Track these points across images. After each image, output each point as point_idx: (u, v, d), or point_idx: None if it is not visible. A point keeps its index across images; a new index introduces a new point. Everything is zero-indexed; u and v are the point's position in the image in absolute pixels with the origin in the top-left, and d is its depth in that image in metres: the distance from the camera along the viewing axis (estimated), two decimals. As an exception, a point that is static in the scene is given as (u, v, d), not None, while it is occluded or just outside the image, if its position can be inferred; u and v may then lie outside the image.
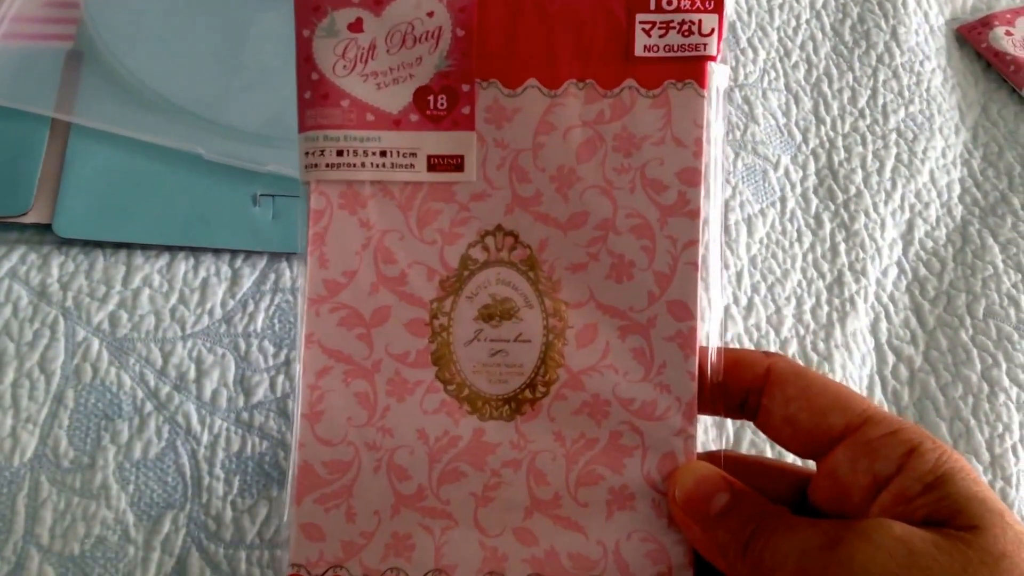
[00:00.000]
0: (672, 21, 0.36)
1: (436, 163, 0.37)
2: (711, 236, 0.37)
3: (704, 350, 0.37)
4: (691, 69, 0.36)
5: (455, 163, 0.37)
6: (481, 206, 0.37)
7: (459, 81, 0.37)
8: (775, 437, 0.37)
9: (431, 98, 0.37)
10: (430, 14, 0.36)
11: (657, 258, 0.37)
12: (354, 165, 0.37)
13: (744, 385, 0.37)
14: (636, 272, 0.37)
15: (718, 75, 0.37)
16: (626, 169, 0.37)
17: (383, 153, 0.37)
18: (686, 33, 0.36)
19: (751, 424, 0.38)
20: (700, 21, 0.36)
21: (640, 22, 0.36)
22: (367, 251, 0.37)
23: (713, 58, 0.36)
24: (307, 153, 0.37)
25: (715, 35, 0.36)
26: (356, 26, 0.37)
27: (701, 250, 0.36)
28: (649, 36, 0.36)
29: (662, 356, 0.36)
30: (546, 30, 0.37)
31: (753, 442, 0.51)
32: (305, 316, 0.37)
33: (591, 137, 0.37)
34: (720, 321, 0.38)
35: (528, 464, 0.37)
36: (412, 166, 0.37)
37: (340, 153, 0.37)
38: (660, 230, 0.37)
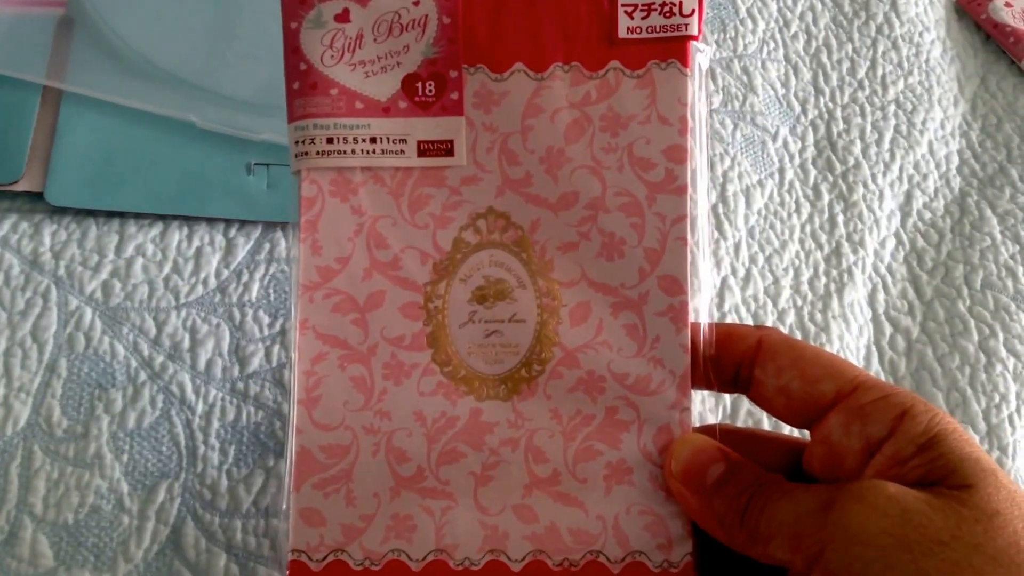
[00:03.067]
0: (653, 3, 0.37)
1: (426, 148, 0.37)
2: (699, 213, 0.37)
3: (696, 324, 0.37)
4: (674, 49, 0.37)
5: (445, 148, 0.37)
6: (472, 189, 0.37)
7: (446, 67, 0.37)
8: (768, 408, 0.37)
9: (419, 85, 0.37)
10: (416, 2, 0.37)
11: (647, 235, 0.37)
12: (344, 152, 0.37)
13: (736, 358, 0.37)
14: (627, 249, 0.37)
15: (700, 55, 0.37)
16: (613, 148, 0.37)
17: (373, 140, 0.37)
18: (667, 14, 0.37)
19: (747, 396, 0.38)
20: (681, 2, 0.37)
21: (622, 5, 0.37)
22: (359, 237, 0.37)
23: (695, 38, 0.37)
24: (297, 142, 0.37)
25: (695, 15, 0.37)
26: (343, 16, 0.37)
27: (689, 225, 0.37)
28: (631, 18, 0.37)
29: (655, 331, 0.37)
30: (530, 15, 0.37)
31: (750, 412, 0.51)
32: (299, 303, 0.37)
33: (578, 118, 0.37)
34: (711, 296, 0.38)
35: (526, 442, 0.37)
36: (402, 152, 0.37)
37: (330, 141, 0.37)
38: (649, 207, 0.37)
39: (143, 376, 0.48)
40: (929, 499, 0.30)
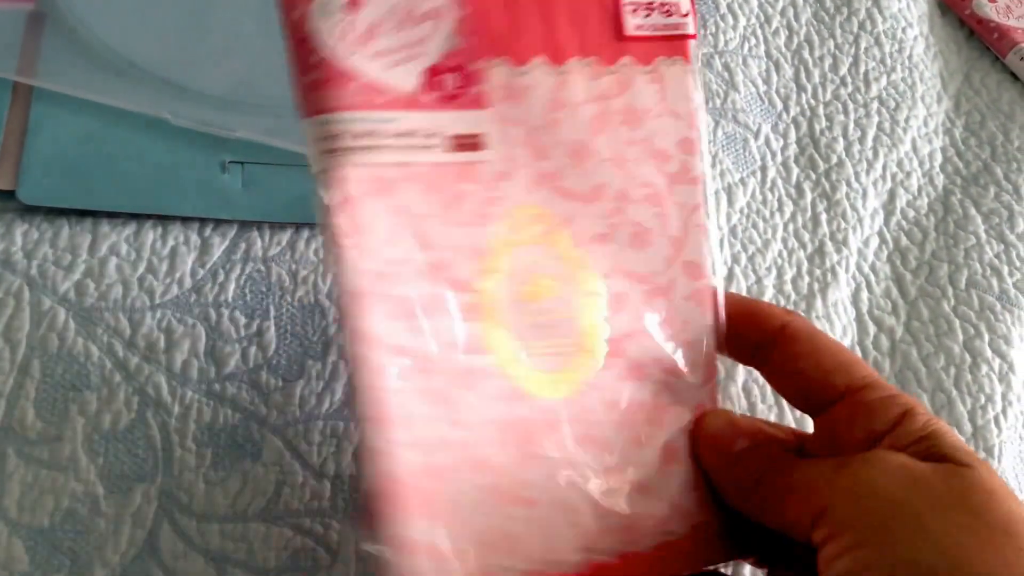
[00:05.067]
0: (653, 2, 0.38)
1: (457, 143, 0.36)
2: (706, 198, 0.39)
3: (715, 299, 0.39)
4: (677, 47, 0.39)
5: (475, 142, 0.36)
6: (506, 185, 0.37)
7: (468, 59, 0.36)
8: (780, 388, 0.40)
9: (443, 77, 0.36)
10: None
11: (670, 223, 0.38)
12: (377, 147, 0.35)
13: (760, 336, 0.39)
14: (653, 239, 0.38)
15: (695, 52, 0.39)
16: (634, 142, 0.38)
17: (404, 134, 0.35)
18: (667, 14, 0.38)
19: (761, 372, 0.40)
20: (678, 3, 0.38)
21: (625, 3, 0.38)
22: (405, 238, 0.35)
23: (693, 36, 0.39)
24: (321, 138, 0.34)
25: (691, 16, 0.39)
26: (352, 5, 0.35)
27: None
28: (635, 16, 0.38)
29: (683, 315, 0.38)
30: (544, 10, 0.37)
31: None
32: (350, 312, 0.34)
33: (600, 112, 0.38)
34: (720, 272, 0.40)
35: (592, 436, 0.37)
36: (434, 146, 0.36)
37: (360, 135, 0.35)
38: (669, 197, 0.38)
39: (118, 377, 0.47)
40: (935, 468, 0.32)
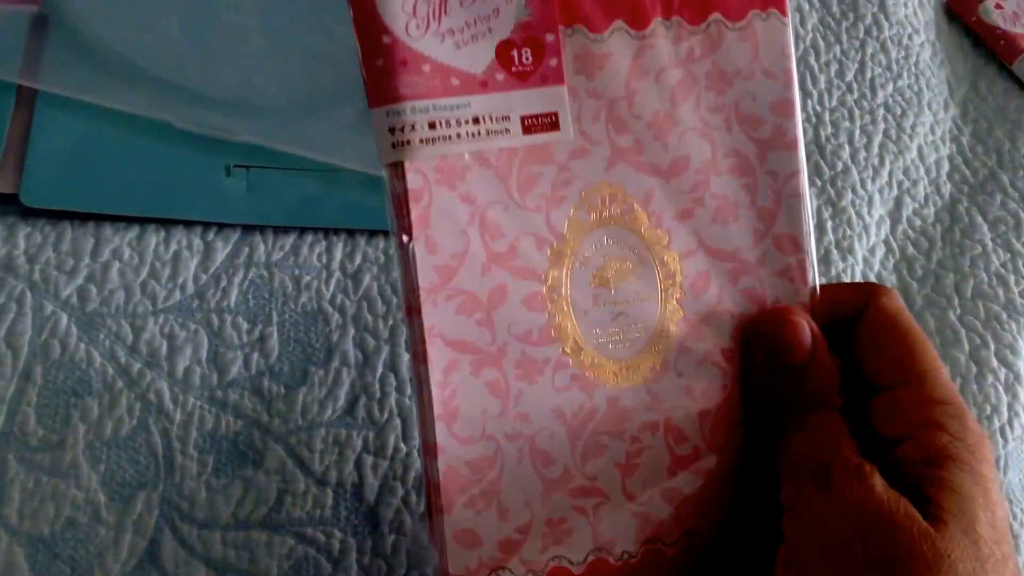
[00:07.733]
0: None
1: (530, 124, 0.35)
2: (801, 166, 0.37)
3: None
4: None
5: (549, 121, 0.35)
6: (581, 164, 0.35)
7: (542, 30, 0.34)
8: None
9: (515, 53, 0.34)
10: None
11: (760, 194, 0.36)
12: (449, 138, 0.34)
13: (844, 311, 0.38)
14: (740, 212, 0.36)
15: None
16: (720, 108, 0.36)
17: (476, 120, 0.34)
18: None
19: None
20: None
21: None
22: (473, 228, 0.34)
23: None
24: (392, 129, 0.33)
25: None
26: None
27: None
28: None
29: (774, 292, 0.37)
30: None
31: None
32: (422, 309, 0.34)
33: (684, 78, 0.36)
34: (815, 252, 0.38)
35: (664, 424, 0.36)
36: (507, 131, 0.34)
37: (432, 125, 0.33)
38: (760, 166, 0.36)
39: (120, 384, 0.47)
40: (897, 517, 0.32)
